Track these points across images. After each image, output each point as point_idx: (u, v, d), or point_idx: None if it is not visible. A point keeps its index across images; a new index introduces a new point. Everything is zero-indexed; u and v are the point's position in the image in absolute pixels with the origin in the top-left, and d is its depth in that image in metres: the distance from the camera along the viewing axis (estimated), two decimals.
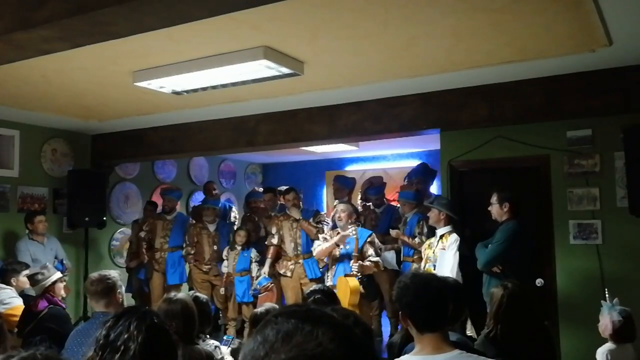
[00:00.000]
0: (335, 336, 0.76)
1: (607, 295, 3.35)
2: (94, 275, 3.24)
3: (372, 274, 5.27)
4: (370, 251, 5.13)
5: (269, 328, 0.78)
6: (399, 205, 6.50)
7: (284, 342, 0.75)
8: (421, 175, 6.20)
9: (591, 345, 4.66)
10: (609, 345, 3.27)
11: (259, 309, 3.31)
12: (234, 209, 8.00)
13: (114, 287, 3.16)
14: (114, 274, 3.25)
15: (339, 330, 0.77)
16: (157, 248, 6.68)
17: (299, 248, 6.05)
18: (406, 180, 6.40)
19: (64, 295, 5.55)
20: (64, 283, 5.82)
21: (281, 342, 0.76)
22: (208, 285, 6.69)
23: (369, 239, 5.18)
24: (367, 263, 5.05)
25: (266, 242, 6.29)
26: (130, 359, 1.75)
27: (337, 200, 6.34)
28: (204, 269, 6.69)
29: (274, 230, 6.20)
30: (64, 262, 6.17)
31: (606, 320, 3.26)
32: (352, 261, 5.04)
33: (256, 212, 7.24)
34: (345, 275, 4.95)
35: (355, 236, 5.09)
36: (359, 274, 4.96)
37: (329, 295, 3.27)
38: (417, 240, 5.43)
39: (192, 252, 6.72)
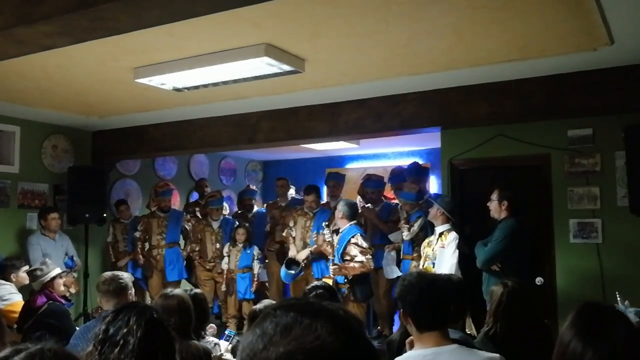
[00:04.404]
0: (334, 329, 0.76)
1: (618, 299, 3.31)
2: (106, 274, 3.32)
3: (368, 274, 5.25)
4: (354, 251, 5.04)
5: (267, 321, 0.78)
6: (391, 200, 6.49)
7: (283, 335, 0.75)
8: (415, 174, 6.16)
9: None
10: None
11: (258, 306, 3.31)
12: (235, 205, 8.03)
13: (126, 288, 3.21)
14: (126, 275, 3.31)
15: (338, 324, 0.77)
16: (154, 245, 6.68)
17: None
18: (391, 184, 6.30)
19: (73, 292, 5.60)
20: (73, 279, 5.91)
21: (280, 335, 0.75)
22: (212, 282, 6.72)
23: (352, 240, 5.09)
24: (352, 264, 5.02)
25: (284, 234, 6.30)
26: (129, 353, 1.75)
27: (341, 199, 6.27)
28: (208, 267, 6.73)
29: (291, 224, 6.22)
30: (74, 258, 6.22)
31: None
32: (330, 263, 5.04)
33: (248, 210, 7.33)
34: (322, 277, 4.97)
35: (330, 240, 5.12)
36: (343, 277, 4.98)
37: (330, 291, 3.28)
38: (404, 228, 5.42)
39: (197, 249, 6.76)
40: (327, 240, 5.56)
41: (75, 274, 6.18)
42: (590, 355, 1.37)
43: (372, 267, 5.18)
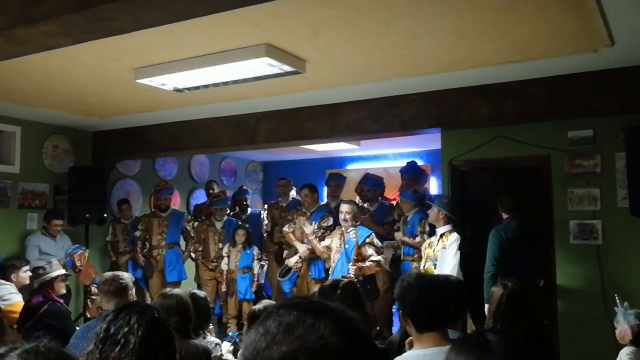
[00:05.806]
0: (337, 329, 0.76)
1: (617, 301, 3.30)
2: (107, 274, 3.35)
3: (373, 273, 5.27)
4: (370, 251, 5.13)
5: (270, 320, 0.79)
6: (390, 201, 6.49)
7: (286, 334, 0.75)
8: (411, 173, 6.14)
9: (590, 345, 4.68)
10: (631, 348, 3.16)
11: (258, 306, 3.32)
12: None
13: (126, 288, 3.22)
14: (126, 275, 3.33)
15: (341, 323, 0.77)
16: (154, 245, 6.68)
17: None
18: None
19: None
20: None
21: (283, 334, 0.76)
22: (214, 282, 6.72)
23: (367, 240, 5.17)
24: (368, 263, 5.06)
25: (284, 228, 6.31)
26: (129, 352, 1.76)
27: (342, 199, 6.25)
28: (210, 267, 6.73)
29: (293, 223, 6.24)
30: None
31: (624, 326, 3.17)
32: (350, 264, 5.04)
33: (243, 211, 7.38)
34: (342, 277, 4.97)
35: (354, 238, 5.11)
36: (356, 276, 4.97)
37: (355, 285, 3.33)
38: (418, 239, 5.41)
39: (200, 249, 6.77)
40: (314, 232, 5.64)
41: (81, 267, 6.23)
42: None
43: (385, 266, 5.34)
